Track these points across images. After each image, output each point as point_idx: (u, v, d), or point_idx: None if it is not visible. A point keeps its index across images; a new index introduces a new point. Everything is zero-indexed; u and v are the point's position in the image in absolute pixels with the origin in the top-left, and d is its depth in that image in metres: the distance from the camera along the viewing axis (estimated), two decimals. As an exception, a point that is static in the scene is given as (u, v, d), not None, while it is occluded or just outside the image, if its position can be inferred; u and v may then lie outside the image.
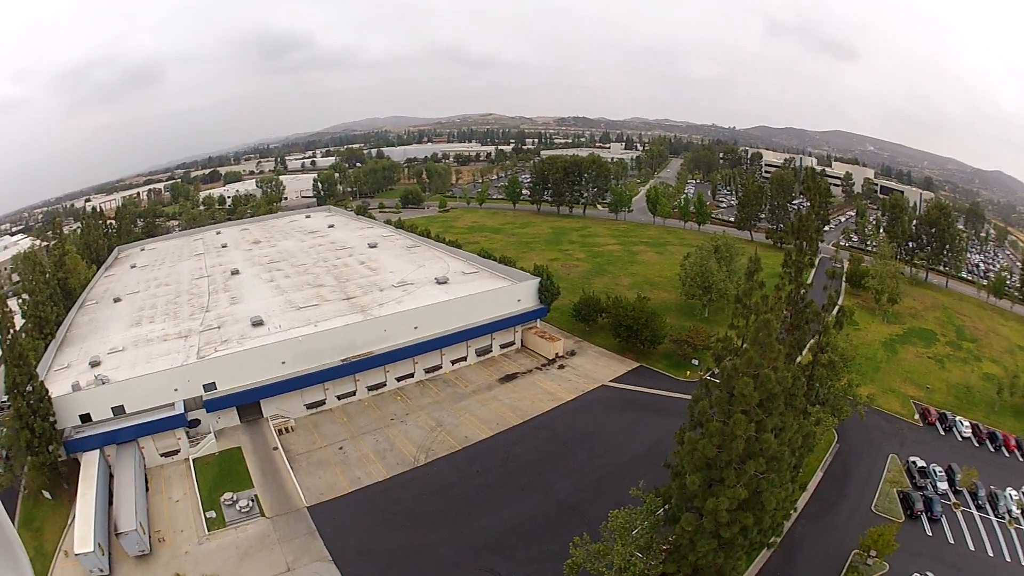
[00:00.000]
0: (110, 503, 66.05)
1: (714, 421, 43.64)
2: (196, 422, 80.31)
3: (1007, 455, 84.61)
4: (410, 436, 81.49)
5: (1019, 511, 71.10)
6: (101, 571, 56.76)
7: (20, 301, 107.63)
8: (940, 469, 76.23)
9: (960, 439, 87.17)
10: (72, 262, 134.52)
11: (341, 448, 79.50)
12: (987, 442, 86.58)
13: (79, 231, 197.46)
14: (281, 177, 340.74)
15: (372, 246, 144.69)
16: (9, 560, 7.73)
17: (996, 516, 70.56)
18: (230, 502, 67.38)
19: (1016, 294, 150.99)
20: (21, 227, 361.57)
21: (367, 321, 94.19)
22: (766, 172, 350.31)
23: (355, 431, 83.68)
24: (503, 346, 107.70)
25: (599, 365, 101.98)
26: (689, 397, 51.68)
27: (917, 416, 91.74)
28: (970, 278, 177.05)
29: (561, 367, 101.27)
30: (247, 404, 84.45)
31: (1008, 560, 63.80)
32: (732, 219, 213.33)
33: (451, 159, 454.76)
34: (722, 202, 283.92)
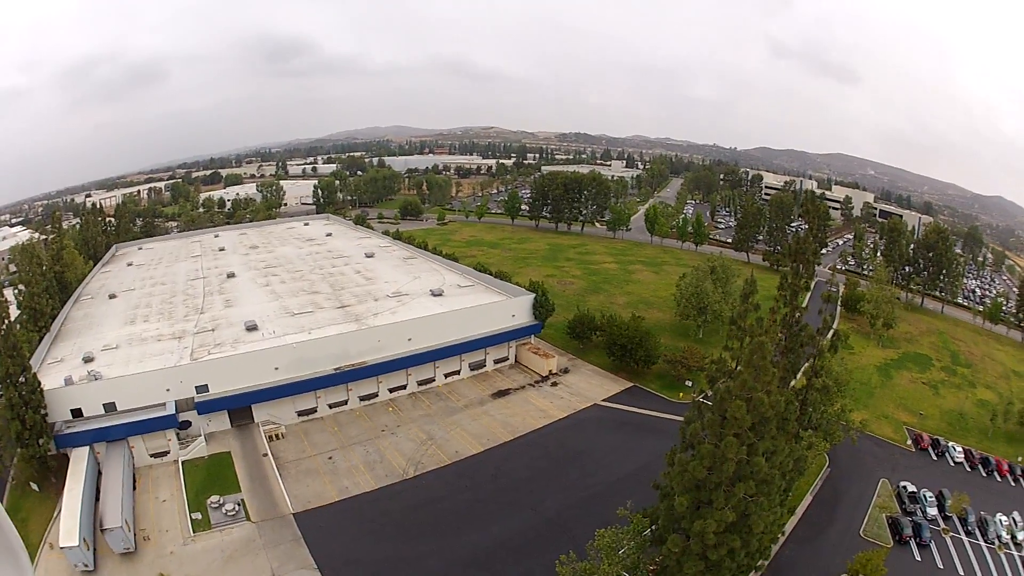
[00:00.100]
0: (97, 499, 65.85)
1: (706, 443, 43.64)
2: (187, 424, 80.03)
3: (999, 480, 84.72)
4: (400, 448, 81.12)
5: (1009, 536, 71.04)
6: (86, 566, 56.69)
7: (16, 292, 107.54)
8: (931, 494, 76.10)
9: (952, 464, 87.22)
10: (70, 256, 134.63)
11: (330, 457, 79.08)
12: (980, 467, 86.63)
13: (78, 226, 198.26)
14: (282, 182, 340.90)
15: (369, 256, 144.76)
16: (10, 560, 7.72)
17: (986, 542, 70.41)
18: (216, 505, 67.06)
19: (1012, 319, 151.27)
20: (20, 219, 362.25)
21: (361, 331, 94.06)
22: (766, 194, 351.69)
23: (345, 441, 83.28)
24: (497, 361, 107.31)
25: (592, 384, 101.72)
26: (681, 418, 51.61)
27: (910, 441, 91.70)
28: (966, 303, 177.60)
29: (554, 384, 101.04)
30: (238, 408, 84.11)
31: (996, 587, 63.67)
32: (730, 240, 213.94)
33: (452, 171, 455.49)
34: (720, 223, 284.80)
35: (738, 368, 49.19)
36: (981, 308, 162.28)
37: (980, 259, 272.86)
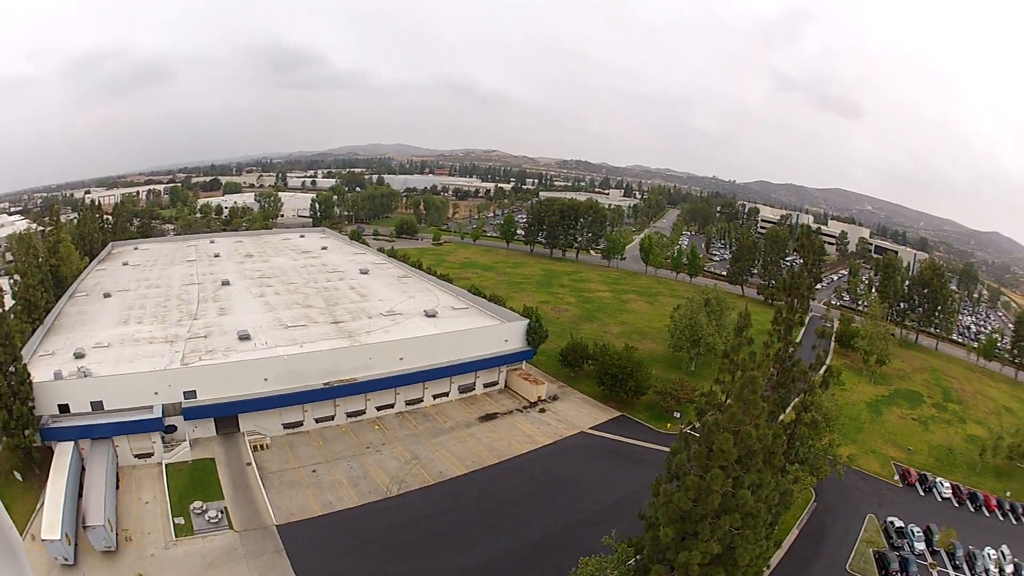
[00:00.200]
0: (80, 495, 65.49)
1: (692, 475, 43.67)
2: (173, 428, 79.52)
3: (987, 515, 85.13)
4: (385, 466, 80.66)
5: (997, 570, 71.19)
6: (66, 560, 56.18)
7: (12, 282, 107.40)
8: (918, 529, 76.10)
9: (940, 500, 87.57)
10: (66, 251, 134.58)
11: (314, 471, 78.59)
12: (967, 503, 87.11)
13: (76, 221, 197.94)
14: (280, 194, 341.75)
15: (364, 272, 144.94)
16: (9, 560, 7.81)
17: (974, 576, 70.70)
18: (200, 511, 66.56)
19: (1006, 356, 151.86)
20: (19, 208, 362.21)
21: (353, 347, 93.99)
22: (762, 227, 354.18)
23: (330, 455, 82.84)
24: (486, 385, 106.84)
25: (581, 412, 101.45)
26: (668, 449, 51.63)
27: (897, 477, 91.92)
28: (961, 340, 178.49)
29: (542, 411, 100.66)
30: (225, 417, 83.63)
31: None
32: (724, 273, 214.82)
33: (450, 192, 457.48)
34: (715, 255, 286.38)
35: (728, 401, 49.33)
36: (976, 345, 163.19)
37: (975, 296, 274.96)
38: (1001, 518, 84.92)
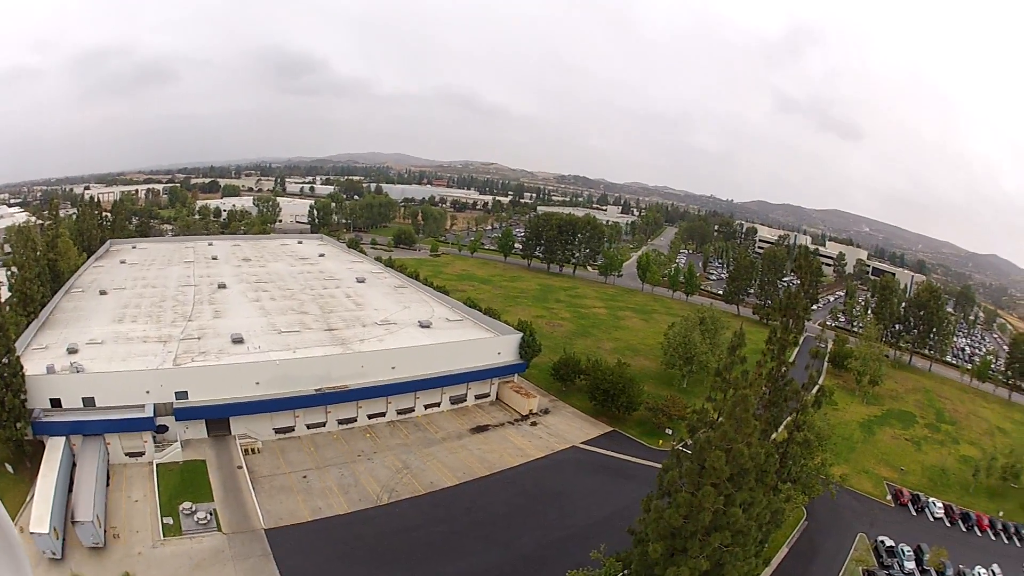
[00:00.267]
0: (70, 491, 65.30)
1: (683, 492, 43.75)
2: (164, 428, 79.42)
3: (979, 535, 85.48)
4: (375, 474, 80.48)
5: None
6: (53, 554, 56.19)
7: (9, 273, 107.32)
8: (909, 549, 76.26)
9: (932, 520, 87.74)
10: (64, 246, 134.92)
11: (305, 476, 78.37)
12: (960, 522, 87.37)
13: (74, 217, 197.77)
14: (279, 199, 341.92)
15: (360, 281, 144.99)
16: (9, 560, 7.87)
17: (964, 594, 70.66)
18: (189, 512, 66.38)
19: (1000, 377, 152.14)
20: (19, 200, 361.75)
21: (346, 355, 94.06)
22: (759, 247, 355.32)
23: (321, 462, 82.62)
24: (478, 397, 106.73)
25: (572, 426, 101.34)
26: (660, 465, 51.67)
27: (889, 497, 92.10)
28: (955, 362, 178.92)
29: (533, 424, 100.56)
30: (217, 419, 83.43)
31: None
32: (721, 292, 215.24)
33: (448, 204, 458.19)
34: (712, 274, 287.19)
35: (720, 419, 49.45)
36: (970, 366, 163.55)
37: (971, 318, 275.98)
38: (993, 538, 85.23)
